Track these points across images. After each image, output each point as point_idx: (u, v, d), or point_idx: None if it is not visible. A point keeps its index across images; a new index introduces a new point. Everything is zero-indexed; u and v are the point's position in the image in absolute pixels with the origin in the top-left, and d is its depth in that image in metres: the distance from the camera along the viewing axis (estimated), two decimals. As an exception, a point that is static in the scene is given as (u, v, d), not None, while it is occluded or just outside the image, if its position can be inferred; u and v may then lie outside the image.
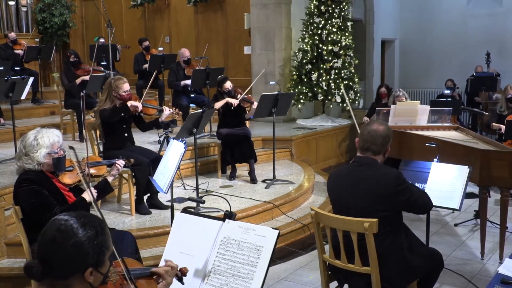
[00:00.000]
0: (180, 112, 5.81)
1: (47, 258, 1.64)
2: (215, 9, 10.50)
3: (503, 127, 6.13)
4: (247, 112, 6.31)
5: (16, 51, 8.93)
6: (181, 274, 2.09)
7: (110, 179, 3.61)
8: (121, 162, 3.74)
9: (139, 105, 4.96)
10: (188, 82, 7.47)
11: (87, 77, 7.14)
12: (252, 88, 8.89)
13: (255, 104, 5.96)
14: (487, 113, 6.65)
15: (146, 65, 8.82)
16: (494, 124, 6.34)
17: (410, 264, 2.93)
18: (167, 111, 5.25)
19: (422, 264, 2.99)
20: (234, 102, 6.04)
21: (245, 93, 6.18)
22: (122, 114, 4.87)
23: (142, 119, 5.26)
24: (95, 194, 3.41)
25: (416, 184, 3.65)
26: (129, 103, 4.89)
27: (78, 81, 7.25)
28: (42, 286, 1.68)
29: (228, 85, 6.17)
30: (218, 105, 6.05)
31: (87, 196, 3.31)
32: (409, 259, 2.93)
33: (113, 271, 1.87)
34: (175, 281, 2.08)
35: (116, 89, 4.89)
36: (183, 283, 2.10)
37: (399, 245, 2.93)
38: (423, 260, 3.01)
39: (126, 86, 4.93)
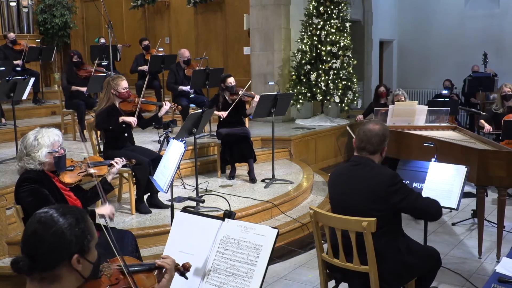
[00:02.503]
0: (180, 107, 5.87)
1: (32, 251, 1.66)
2: (215, 10, 10.52)
3: (488, 127, 6.22)
4: (247, 107, 6.37)
5: (16, 49, 8.98)
6: (183, 269, 2.09)
7: (109, 178, 3.63)
8: (119, 160, 3.75)
9: (132, 120, 4.97)
10: (185, 88, 7.52)
11: (83, 89, 7.21)
12: (252, 88, 8.96)
13: (257, 97, 6.00)
14: (485, 113, 6.68)
15: (145, 67, 8.86)
16: (481, 121, 6.42)
17: (408, 263, 2.95)
18: (167, 105, 5.30)
19: (419, 262, 3.01)
20: (223, 114, 6.07)
21: (245, 88, 6.23)
22: (110, 128, 4.95)
23: (141, 116, 5.30)
24: (111, 212, 3.39)
25: (414, 184, 3.68)
26: (121, 119, 4.93)
27: (73, 88, 7.30)
28: (33, 282, 1.69)
29: (231, 80, 6.21)
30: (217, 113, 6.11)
31: (99, 210, 3.30)
32: (406, 258, 2.95)
33: (107, 266, 1.88)
34: (176, 276, 2.08)
35: (114, 87, 4.94)
36: (186, 278, 2.11)
37: (396, 244, 2.95)
38: (421, 258, 3.03)
39: (124, 83, 4.99)
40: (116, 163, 3.69)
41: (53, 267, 1.67)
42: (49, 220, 1.68)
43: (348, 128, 4.48)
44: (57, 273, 1.68)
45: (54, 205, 1.77)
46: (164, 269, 2.03)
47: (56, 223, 1.68)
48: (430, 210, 2.98)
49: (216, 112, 6.02)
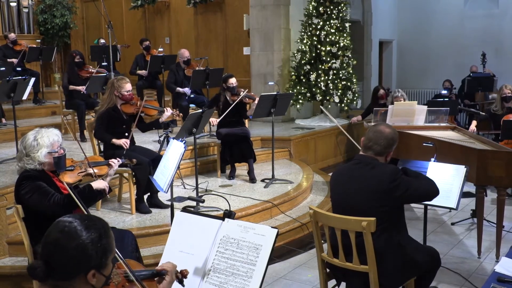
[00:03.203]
0: (181, 114, 5.86)
1: (50, 259, 1.65)
2: (215, 10, 10.53)
3: (472, 128, 6.39)
4: (247, 108, 6.37)
5: (16, 49, 9.01)
6: (181, 276, 2.09)
7: (107, 179, 3.63)
8: (116, 161, 3.75)
9: (123, 142, 4.93)
10: (182, 90, 7.52)
11: (80, 88, 7.22)
12: (252, 88, 8.97)
13: (257, 100, 6.02)
14: (484, 113, 6.69)
15: (144, 71, 8.87)
16: (474, 123, 6.54)
17: (408, 260, 2.96)
18: (168, 112, 5.30)
19: (419, 260, 3.02)
20: (213, 122, 6.08)
21: (246, 91, 6.24)
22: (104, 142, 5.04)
23: (142, 119, 5.31)
24: (106, 185, 3.44)
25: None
26: (112, 141, 4.95)
27: (71, 88, 7.31)
28: (44, 286, 1.68)
29: (233, 81, 6.22)
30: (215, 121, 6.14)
31: (95, 184, 3.36)
32: (406, 255, 2.96)
33: (115, 273, 1.87)
34: (175, 283, 2.08)
35: (118, 89, 4.95)
36: (183, 286, 2.10)
37: (397, 239, 2.96)
38: (421, 256, 3.04)
39: (128, 86, 4.99)
40: (114, 163, 3.70)
41: (69, 279, 1.67)
42: (72, 232, 1.66)
43: (340, 127, 4.59)
44: (71, 284, 1.67)
45: (78, 215, 1.73)
46: (164, 271, 2.04)
47: (80, 237, 1.65)
48: (429, 194, 3.07)
49: (210, 119, 6.01)
